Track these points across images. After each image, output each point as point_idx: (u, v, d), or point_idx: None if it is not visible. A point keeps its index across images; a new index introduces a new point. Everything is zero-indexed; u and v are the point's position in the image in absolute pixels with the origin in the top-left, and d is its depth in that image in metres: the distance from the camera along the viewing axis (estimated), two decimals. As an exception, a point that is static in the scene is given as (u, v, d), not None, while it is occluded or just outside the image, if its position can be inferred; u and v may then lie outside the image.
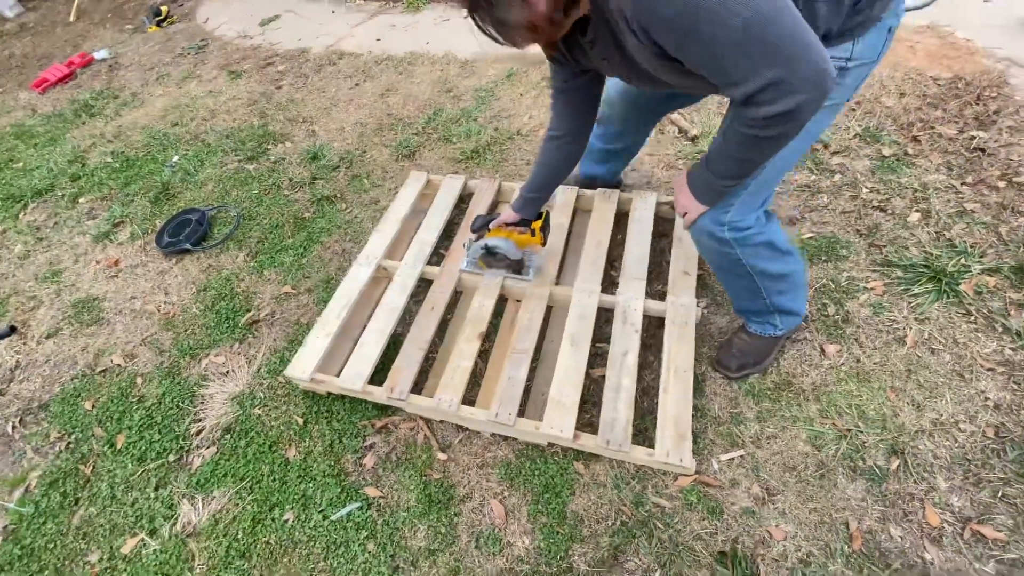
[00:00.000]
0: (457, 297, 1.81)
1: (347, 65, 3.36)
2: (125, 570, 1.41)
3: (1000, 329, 1.41)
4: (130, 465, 1.63)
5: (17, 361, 2.02)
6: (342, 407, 1.63)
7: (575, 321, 1.56)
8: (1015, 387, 1.30)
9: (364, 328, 1.69)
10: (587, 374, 1.47)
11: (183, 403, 1.75)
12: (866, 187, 1.84)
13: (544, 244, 1.63)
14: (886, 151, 1.93)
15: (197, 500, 1.51)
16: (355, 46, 3.63)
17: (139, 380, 1.85)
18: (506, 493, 1.38)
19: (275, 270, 2.09)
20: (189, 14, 4.90)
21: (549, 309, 1.68)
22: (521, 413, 1.43)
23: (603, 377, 1.51)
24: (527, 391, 1.50)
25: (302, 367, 1.57)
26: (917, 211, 1.73)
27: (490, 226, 1.62)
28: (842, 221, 1.77)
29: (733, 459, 1.32)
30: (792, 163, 1.12)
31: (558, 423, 1.34)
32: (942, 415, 1.29)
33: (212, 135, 2.94)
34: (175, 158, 2.82)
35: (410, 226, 2.03)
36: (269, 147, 2.76)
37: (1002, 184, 1.73)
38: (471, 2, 0.79)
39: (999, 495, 1.16)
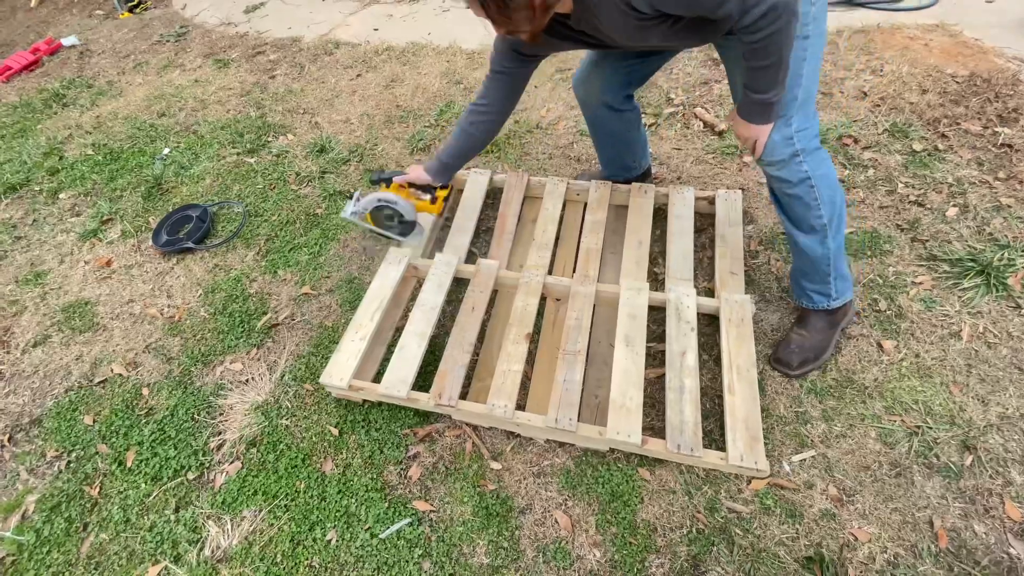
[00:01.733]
0: (493, 296, 1.73)
1: (345, 55, 3.21)
2: (147, 606, 1.28)
3: (1053, 322, 1.42)
4: (144, 485, 1.48)
5: (1, 372, 1.84)
6: (379, 415, 1.53)
7: (626, 320, 1.50)
8: None
9: (400, 331, 1.59)
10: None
11: (199, 415, 1.61)
12: (901, 182, 1.84)
13: (441, 215, 1.69)
14: (916, 146, 1.94)
15: (225, 521, 1.39)
16: (351, 35, 3.48)
17: (145, 391, 1.70)
18: (569, 503, 1.31)
19: (290, 270, 1.96)
20: (164, 0, 4.63)
21: (593, 309, 1.61)
22: (577, 417, 1.36)
23: (659, 378, 1.46)
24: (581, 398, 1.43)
25: (339, 373, 1.46)
26: (954, 206, 1.74)
27: (394, 180, 1.61)
28: (881, 216, 1.76)
29: (804, 460, 1.29)
30: (819, 59, 1.18)
31: (624, 428, 1.28)
32: (1007, 409, 1.29)
33: (205, 126, 2.76)
34: (166, 150, 2.63)
35: (438, 224, 1.94)
36: (270, 139, 2.60)
37: (1034, 179, 1.76)
38: None
39: None
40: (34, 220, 2.40)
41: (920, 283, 1.56)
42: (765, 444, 1.29)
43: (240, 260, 2.04)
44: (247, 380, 1.67)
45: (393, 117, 2.59)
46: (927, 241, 1.66)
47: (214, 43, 3.71)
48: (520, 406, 1.43)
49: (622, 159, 1.83)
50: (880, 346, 1.45)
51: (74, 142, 2.86)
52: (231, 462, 1.50)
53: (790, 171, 1.22)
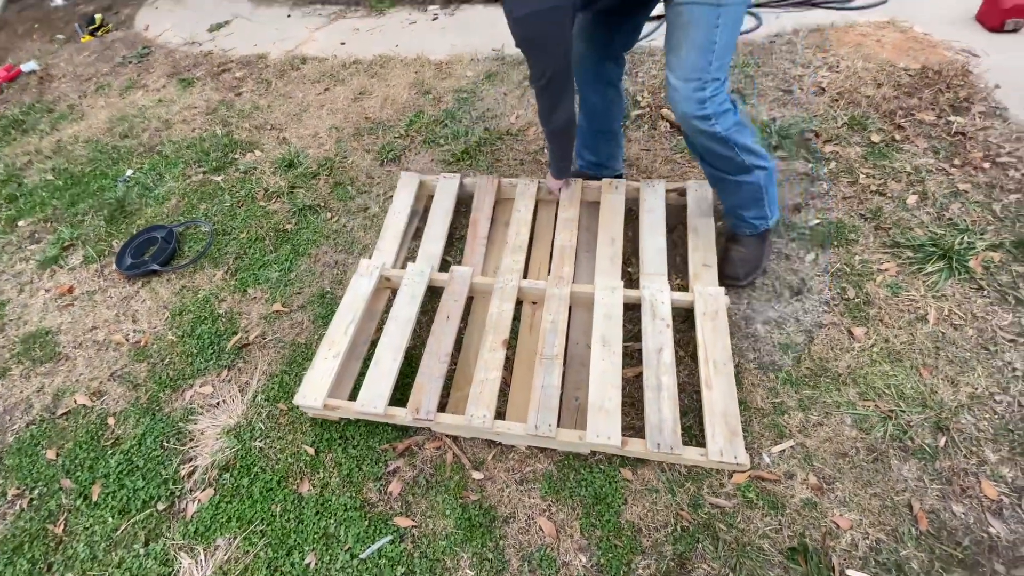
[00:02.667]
0: (468, 304, 1.71)
1: (312, 70, 3.19)
2: (118, 644, 1.22)
3: (1013, 301, 1.46)
4: (111, 519, 1.42)
5: (-43, 409, 1.75)
6: (357, 432, 1.49)
7: (602, 321, 1.49)
8: None
9: (374, 344, 1.56)
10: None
11: (168, 442, 1.55)
12: (862, 173, 1.88)
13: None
14: (875, 138, 1.99)
15: (198, 552, 1.33)
16: (318, 50, 3.46)
17: (111, 420, 1.64)
18: (553, 509, 1.29)
19: (260, 287, 1.92)
20: (126, 22, 4.56)
21: (569, 310, 1.61)
22: (556, 422, 1.34)
23: (637, 377, 1.46)
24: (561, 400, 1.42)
25: (313, 394, 1.42)
26: (914, 193, 1.78)
27: None
28: (845, 206, 1.80)
29: (784, 450, 1.29)
30: (736, 31, 1.26)
31: (604, 430, 1.27)
32: (977, 389, 1.32)
33: (169, 146, 2.70)
34: (128, 172, 2.57)
35: (409, 233, 1.93)
36: (237, 156, 2.56)
37: (987, 165, 1.81)
38: None
39: None
40: (-10, 249, 2.31)
41: (886, 270, 1.59)
42: (744, 437, 1.29)
43: (208, 280, 1.98)
44: (218, 403, 1.62)
45: (362, 129, 2.57)
46: (890, 229, 1.69)
47: (178, 62, 3.65)
48: (500, 414, 1.41)
49: (598, 147, 1.85)
50: (851, 333, 1.47)
51: (33, 168, 2.77)
52: (203, 489, 1.45)
53: (702, 141, 1.35)
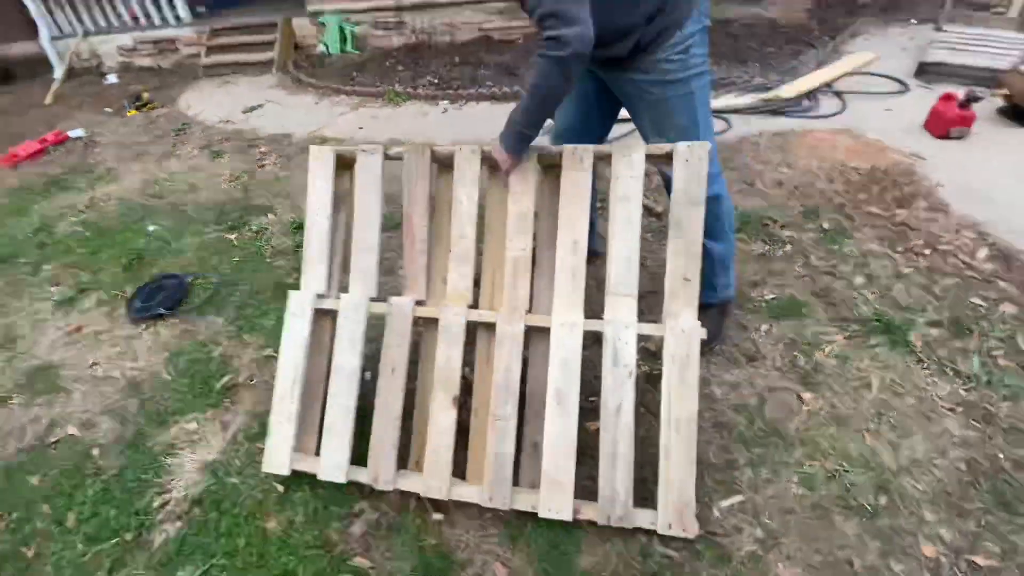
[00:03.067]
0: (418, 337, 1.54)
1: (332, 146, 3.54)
2: (63, 673, 1.21)
3: (951, 373, 1.56)
4: (80, 546, 1.45)
5: (-49, 435, 1.82)
6: (328, 471, 1.55)
7: (558, 369, 1.34)
8: (975, 424, 1.42)
9: (324, 398, 1.51)
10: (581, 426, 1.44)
11: (145, 474, 1.61)
12: (815, 255, 2.06)
13: None
14: (826, 225, 2.19)
15: (160, 582, 1.35)
16: (338, 132, 3.86)
17: (96, 451, 1.70)
18: (509, 555, 1.32)
19: (256, 334, 2.05)
20: (171, 101, 5.11)
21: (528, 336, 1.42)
22: (516, 475, 1.36)
23: (597, 431, 1.49)
24: (519, 445, 1.42)
25: (278, 461, 1.47)
26: (861, 275, 1.94)
27: None
28: (799, 284, 1.96)
29: (733, 505, 1.34)
30: (709, 111, 1.46)
31: (556, 504, 1.29)
32: (917, 453, 1.38)
33: (192, 207, 2.97)
34: (151, 227, 2.81)
35: (338, 235, 1.59)
36: (251, 218, 2.80)
37: (928, 251, 1.99)
38: None
39: (983, 524, 1.22)
40: (14, 290, 2.49)
41: (834, 341, 1.71)
42: (698, 490, 1.34)
43: (208, 326, 2.13)
44: (199, 439, 1.69)
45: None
46: (838, 305, 1.84)
47: (211, 137, 4.06)
48: (461, 470, 1.44)
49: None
50: (800, 397, 1.56)
51: (65, 220, 3.03)
52: (173, 520, 1.48)
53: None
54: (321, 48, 5.77)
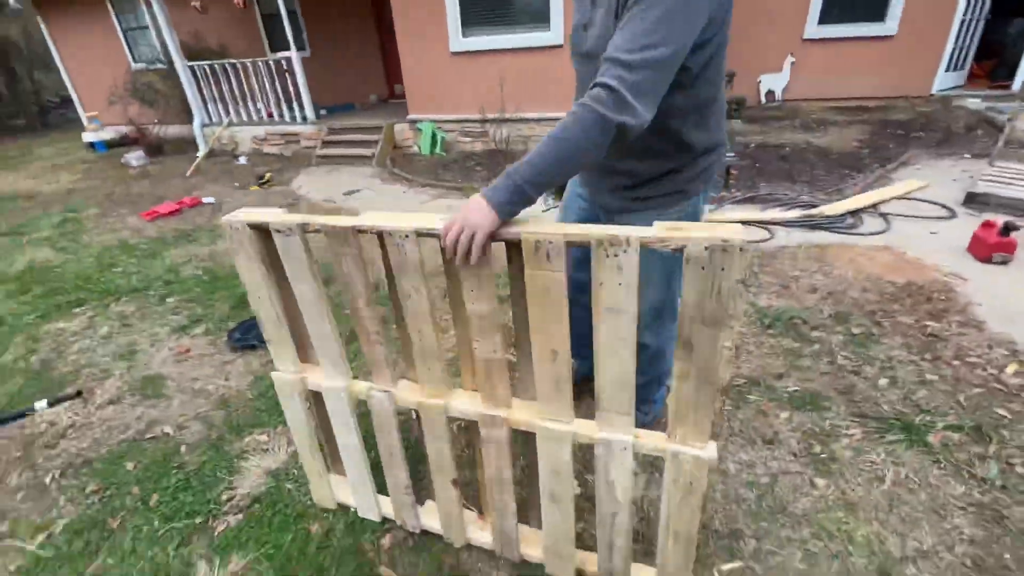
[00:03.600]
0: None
1: (410, 227, 4.10)
2: (129, 622, 1.42)
3: (967, 475, 1.58)
4: (156, 523, 1.72)
5: (74, 422, 2.22)
6: (369, 489, 1.76)
7: (548, 477, 1.26)
8: (986, 524, 1.42)
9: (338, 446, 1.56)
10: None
11: (220, 472, 1.89)
12: (841, 355, 2.16)
13: None
14: (855, 330, 2.30)
15: (215, 562, 1.57)
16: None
17: (183, 448, 2.02)
18: (515, 582, 1.43)
19: (326, 370, 2.38)
20: (287, 181, 6.07)
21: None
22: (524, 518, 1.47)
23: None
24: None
25: (322, 496, 1.70)
26: (885, 378, 2.02)
27: None
28: (823, 380, 2.05)
29: (733, 570, 1.40)
30: (677, 295, 1.24)
31: (558, 568, 1.40)
32: (923, 545, 1.40)
33: (290, 264, 3.52)
34: (256, 277, 3.35)
35: (287, 309, 1.41)
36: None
37: (956, 362, 2.04)
38: None
39: None
40: (142, 315, 3.03)
41: (851, 435, 1.78)
42: (700, 551, 1.43)
43: (289, 359, 2.49)
44: (268, 449, 1.97)
45: (438, 270, 3.25)
46: (860, 402, 1.91)
47: (315, 212, 4.79)
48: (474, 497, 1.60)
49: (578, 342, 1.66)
50: (812, 482, 1.63)
51: (190, 265, 3.67)
52: (235, 513, 1.73)
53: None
54: (415, 149, 6.74)
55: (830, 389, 2.00)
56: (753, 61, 7.35)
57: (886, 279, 2.69)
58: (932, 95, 6.84)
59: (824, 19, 7.04)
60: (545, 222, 1.03)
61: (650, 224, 0.95)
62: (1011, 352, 2.08)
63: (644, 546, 1.46)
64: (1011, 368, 1.98)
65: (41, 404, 2.32)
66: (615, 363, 1.06)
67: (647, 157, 1.25)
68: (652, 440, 1.14)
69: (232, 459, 1.94)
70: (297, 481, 1.82)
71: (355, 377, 1.48)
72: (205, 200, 5.49)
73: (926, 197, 3.86)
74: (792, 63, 7.35)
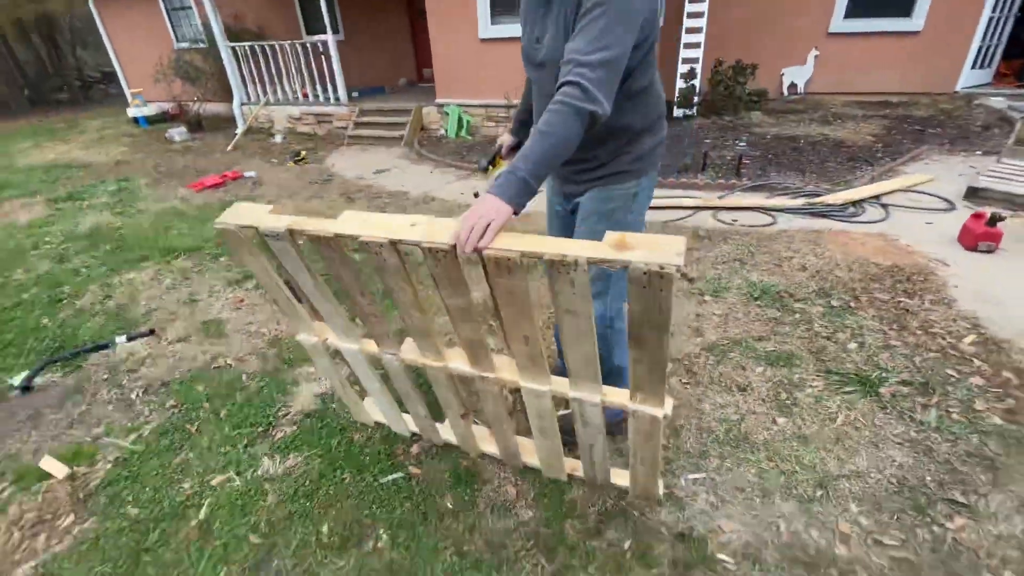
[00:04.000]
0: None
1: (437, 205, 4.43)
2: (211, 495, 1.79)
3: (908, 419, 1.84)
4: (227, 429, 2.09)
5: (149, 354, 2.62)
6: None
7: (535, 418, 1.53)
8: (915, 455, 1.70)
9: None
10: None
11: (276, 394, 2.26)
12: (818, 323, 2.42)
13: None
14: (835, 303, 2.55)
15: (276, 458, 1.94)
16: (444, 194, 4.78)
17: (244, 376, 2.39)
18: (520, 482, 1.76)
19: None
20: (320, 159, 6.45)
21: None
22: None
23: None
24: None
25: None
26: (855, 342, 2.28)
27: (494, 160, 1.71)
28: (798, 343, 2.32)
29: (697, 479, 1.70)
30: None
31: (553, 471, 1.72)
32: (858, 468, 1.68)
33: (328, 232, 3.88)
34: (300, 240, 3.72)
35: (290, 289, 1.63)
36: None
37: (920, 332, 2.29)
38: None
39: (895, 518, 1.49)
40: (199, 270, 3.43)
41: (815, 386, 2.05)
42: (671, 464, 1.73)
43: (330, 310, 2.85)
44: (315, 379, 2.33)
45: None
46: (827, 361, 2.18)
47: (347, 188, 5.15)
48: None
49: None
50: (774, 420, 1.91)
51: (238, 231, 4.06)
52: (290, 424, 2.09)
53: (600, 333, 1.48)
54: (442, 132, 7.04)
55: (803, 350, 2.27)
56: (777, 54, 7.43)
57: (872, 261, 2.92)
58: (956, 92, 6.85)
59: (850, 13, 7.07)
60: (510, 237, 1.10)
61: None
62: (973, 326, 2.31)
63: (624, 460, 1.77)
64: (969, 338, 2.22)
65: (121, 339, 2.72)
66: (578, 350, 1.26)
67: (599, 143, 1.40)
68: (618, 398, 1.36)
69: (285, 385, 2.31)
70: (341, 403, 2.17)
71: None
72: (246, 174, 5.89)
73: (929, 190, 4.02)
74: (816, 56, 7.40)
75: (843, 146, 5.32)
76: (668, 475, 1.71)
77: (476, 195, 1.43)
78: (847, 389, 2.01)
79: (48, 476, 1.91)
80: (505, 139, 1.77)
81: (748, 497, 1.63)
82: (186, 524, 1.69)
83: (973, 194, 3.83)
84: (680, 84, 6.88)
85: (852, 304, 2.54)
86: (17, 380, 2.44)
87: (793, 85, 7.74)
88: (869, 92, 7.31)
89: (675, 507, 1.61)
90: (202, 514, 1.72)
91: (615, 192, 1.48)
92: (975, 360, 2.10)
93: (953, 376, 2.03)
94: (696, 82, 6.78)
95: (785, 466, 1.72)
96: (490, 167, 1.74)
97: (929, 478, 1.62)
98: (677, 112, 7.02)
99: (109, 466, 1.95)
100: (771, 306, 2.60)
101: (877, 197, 3.98)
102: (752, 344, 2.33)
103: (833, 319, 2.45)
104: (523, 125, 1.72)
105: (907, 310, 2.45)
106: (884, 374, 2.05)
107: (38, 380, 2.47)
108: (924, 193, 3.99)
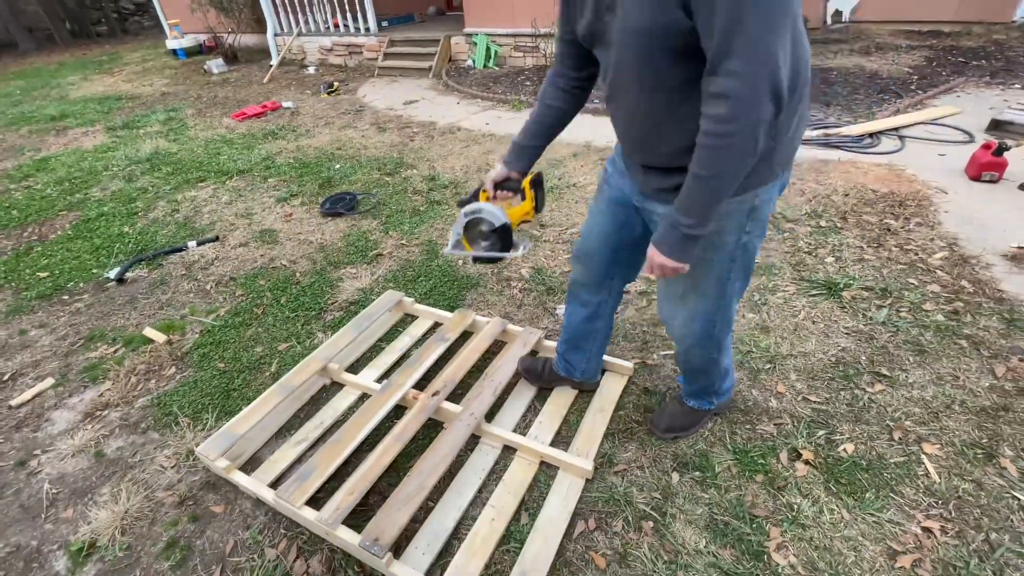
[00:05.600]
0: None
1: (463, 135, 4.67)
2: (278, 356, 2.26)
3: (860, 316, 2.13)
4: (287, 312, 2.54)
5: (217, 256, 3.08)
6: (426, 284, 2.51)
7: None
8: (858, 342, 2.00)
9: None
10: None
11: (325, 289, 2.69)
12: (803, 241, 2.66)
13: (539, 211, 1.40)
14: (823, 223, 2.77)
15: (328, 333, 2.38)
16: (470, 125, 4.99)
17: (297, 274, 2.83)
18: (522, 354, 2.15)
19: (396, 231, 3.12)
20: (352, 90, 6.66)
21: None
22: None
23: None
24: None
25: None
26: (832, 257, 2.52)
27: (478, 194, 1.40)
28: (781, 256, 2.58)
29: (667, 354, 2.05)
30: (745, 276, 1.26)
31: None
32: (806, 350, 2.00)
33: (363, 158, 4.21)
34: (336, 165, 4.07)
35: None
36: (401, 170, 3.96)
37: (895, 249, 2.51)
38: None
39: (827, 385, 1.83)
40: (251, 188, 3.84)
41: (787, 290, 2.33)
42: (650, 345, 2.08)
43: (368, 223, 3.24)
44: (357, 277, 2.75)
45: (483, 168, 3.86)
46: (803, 271, 2.44)
47: (379, 118, 5.41)
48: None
49: (568, 344, 1.72)
50: (744, 315, 2.22)
51: (281, 155, 4.43)
52: (337, 311, 2.53)
53: (696, 358, 1.46)
54: (469, 62, 7.10)
55: (784, 263, 2.53)
56: (822, -22, 7.03)
57: (871, 188, 3.07)
58: (1013, 22, 6.43)
59: (907, -70, 6.58)
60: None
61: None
62: (948, 245, 2.51)
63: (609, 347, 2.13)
64: (939, 255, 2.43)
65: (192, 243, 3.19)
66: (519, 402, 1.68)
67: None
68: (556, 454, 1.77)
69: (332, 281, 2.73)
70: (378, 294, 2.59)
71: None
72: (284, 104, 6.19)
73: (952, 123, 4.02)
74: (864, -20, 6.99)
75: (877, 78, 5.21)
76: (644, 351, 2.07)
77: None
78: (813, 292, 2.29)
79: (150, 341, 2.42)
80: (496, 171, 1.37)
81: (709, 369, 1.98)
82: (261, 374, 2.16)
83: (996, 127, 3.83)
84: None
85: (839, 224, 2.75)
86: (112, 273, 2.95)
87: (838, 13, 7.36)
88: (920, 20, 6.91)
89: (647, 372, 1.98)
90: (273, 368, 2.19)
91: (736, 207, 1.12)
92: (938, 272, 2.33)
93: (913, 284, 2.27)
94: (732, 10, 6.55)
95: (744, 347, 2.05)
96: (474, 202, 1.39)
97: (864, 358, 1.93)
98: (710, 42, 6.84)
99: (196, 336, 2.44)
100: (764, 226, 2.83)
101: (896, 129, 4.01)
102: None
103: (818, 237, 2.68)
104: (522, 153, 1.35)
105: (889, 230, 2.66)
106: (850, 281, 2.31)
107: (129, 274, 2.97)
108: (946, 126, 3.99)
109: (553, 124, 1.33)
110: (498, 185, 1.37)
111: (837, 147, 3.81)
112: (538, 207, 1.40)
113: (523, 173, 1.38)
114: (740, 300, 1.44)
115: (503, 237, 1.34)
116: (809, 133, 4.03)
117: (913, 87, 4.93)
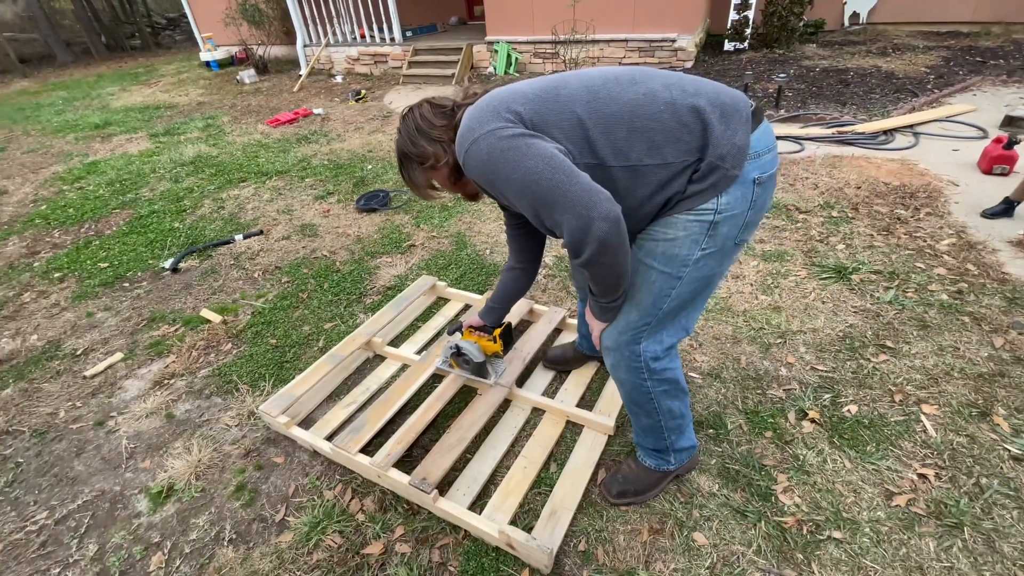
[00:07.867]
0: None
1: (485, 135, 4.88)
2: (324, 334, 2.47)
3: (868, 297, 2.25)
4: (330, 296, 2.76)
5: (263, 247, 3.32)
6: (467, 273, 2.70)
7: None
8: (865, 318, 2.12)
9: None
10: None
11: (363, 276, 2.91)
12: (815, 230, 2.79)
13: (504, 353, 1.85)
14: (835, 214, 2.89)
15: (368, 314, 2.59)
16: (492, 126, 5.20)
17: (337, 263, 3.05)
18: (548, 331, 2.33)
19: (426, 225, 3.33)
20: (379, 97, 6.94)
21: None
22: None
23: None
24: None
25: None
26: (843, 244, 2.64)
27: (462, 329, 1.88)
28: (793, 244, 2.71)
29: (686, 332, 2.21)
30: (693, 299, 1.19)
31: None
32: (815, 327, 2.13)
33: (393, 160, 4.45)
34: (368, 166, 4.32)
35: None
36: (429, 168, 4.18)
37: (904, 236, 2.62)
38: (399, 162, 1.21)
39: (835, 357, 1.96)
40: (289, 188, 4.10)
41: (799, 275, 2.47)
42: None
43: (401, 218, 3.46)
44: (393, 265, 2.96)
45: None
46: (814, 257, 2.57)
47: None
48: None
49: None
50: (757, 297, 2.36)
51: (316, 158, 4.70)
52: (375, 295, 2.74)
53: (628, 387, 1.32)
54: (491, 69, 7.35)
55: (796, 250, 2.66)
56: (839, -19, 7.13)
57: (883, 181, 3.18)
58: (1034, 19, 6.43)
59: (924, -68, 6.65)
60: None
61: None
62: (956, 233, 2.62)
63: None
64: (947, 241, 2.54)
65: (239, 236, 3.44)
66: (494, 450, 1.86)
67: (653, 218, 1.13)
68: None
69: (370, 269, 2.95)
70: (412, 281, 2.79)
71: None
72: (315, 111, 6.50)
73: (967, 120, 4.09)
74: (882, -18, 7.06)
75: (893, 78, 5.29)
76: (663, 329, 2.22)
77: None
78: (824, 276, 2.42)
79: (207, 321, 2.65)
80: (473, 319, 1.82)
81: (721, 343, 2.13)
82: (310, 348, 2.38)
83: (1010, 123, 3.89)
84: (733, 16, 6.82)
85: (851, 215, 2.87)
86: (167, 263, 3.21)
87: (856, 15, 7.44)
88: (938, 21, 6.95)
89: (664, 347, 2.13)
90: (320, 343, 2.40)
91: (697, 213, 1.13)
92: (945, 256, 2.44)
93: (919, 267, 2.39)
94: (750, 13, 6.70)
95: (756, 324, 2.19)
96: (457, 334, 1.89)
97: (870, 332, 2.06)
98: (728, 45, 6.99)
99: (248, 317, 2.67)
100: (778, 217, 2.97)
101: (911, 126, 4.10)
102: (752, 246, 2.74)
103: (830, 226, 2.80)
104: (492, 311, 1.73)
105: (899, 219, 2.77)
106: (859, 265, 2.44)
107: (182, 265, 3.23)
108: (959, 122, 4.07)
109: (511, 296, 1.68)
110: (473, 328, 1.85)
111: (851, 144, 3.91)
112: (505, 350, 1.88)
113: (495, 325, 1.82)
114: (690, 335, 1.76)
115: (479, 369, 1.89)
116: (822, 131, 4.14)
117: (929, 86, 4.99)
